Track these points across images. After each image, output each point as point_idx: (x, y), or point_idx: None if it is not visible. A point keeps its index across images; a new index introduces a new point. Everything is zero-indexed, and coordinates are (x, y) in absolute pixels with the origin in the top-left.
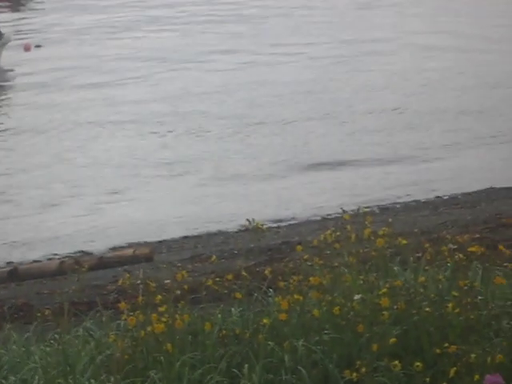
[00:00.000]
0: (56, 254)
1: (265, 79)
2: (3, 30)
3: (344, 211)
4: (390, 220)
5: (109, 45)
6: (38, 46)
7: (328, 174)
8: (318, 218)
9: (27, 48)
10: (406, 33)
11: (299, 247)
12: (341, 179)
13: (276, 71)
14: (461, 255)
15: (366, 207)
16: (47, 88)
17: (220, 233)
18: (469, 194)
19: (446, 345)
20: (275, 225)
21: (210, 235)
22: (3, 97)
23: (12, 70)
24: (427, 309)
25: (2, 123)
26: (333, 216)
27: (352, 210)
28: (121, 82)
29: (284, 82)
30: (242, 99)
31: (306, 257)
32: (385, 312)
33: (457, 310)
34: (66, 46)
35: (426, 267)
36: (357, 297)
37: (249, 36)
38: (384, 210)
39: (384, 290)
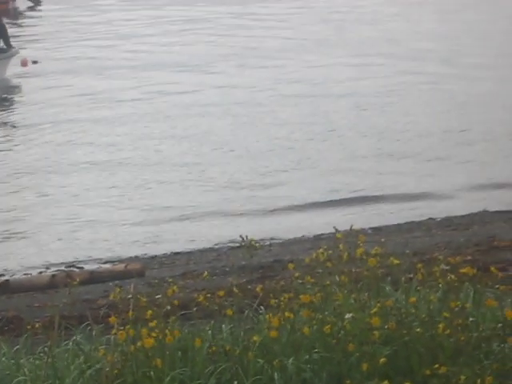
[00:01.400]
0: (47, 268)
1: None
2: (14, 43)
3: (337, 230)
4: (383, 240)
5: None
6: (34, 62)
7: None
8: (311, 237)
9: (24, 63)
10: None
11: (291, 265)
12: None
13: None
14: (452, 276)
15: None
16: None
17: (212, 249)
18: (462, 216)
19: (436, 366)
20: (267, 243)
21: (202, 252)
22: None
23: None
24: (418, 329)
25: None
26: (325, 236)
27: (344, 230)
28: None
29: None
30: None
31: (297, 275)
32: (375, 332)
33: (447, 331)
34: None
35: (418, 288)
36: (348, 316)
37: None
38: (377, 230)
39: (375, 309)
